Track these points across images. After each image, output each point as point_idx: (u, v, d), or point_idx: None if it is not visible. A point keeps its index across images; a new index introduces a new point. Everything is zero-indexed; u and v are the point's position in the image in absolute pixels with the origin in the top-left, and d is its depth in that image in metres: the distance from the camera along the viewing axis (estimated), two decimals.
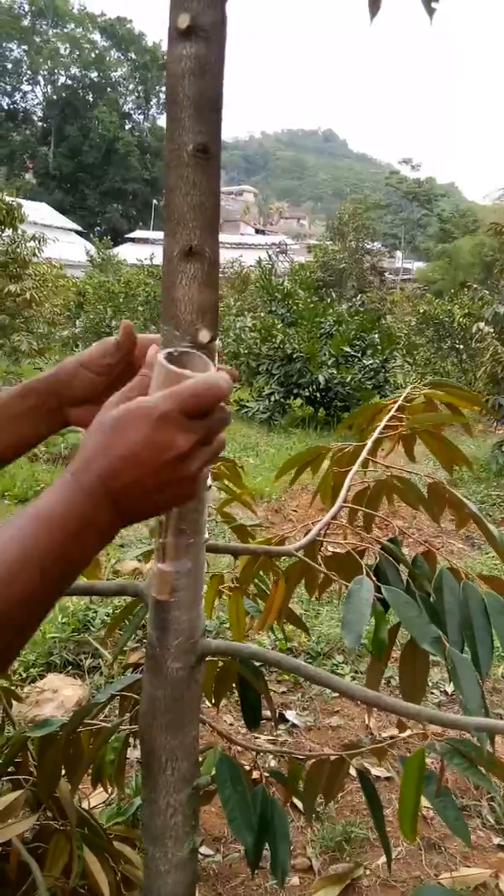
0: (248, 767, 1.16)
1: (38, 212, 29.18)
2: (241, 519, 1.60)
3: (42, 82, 67.50)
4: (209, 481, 0.79)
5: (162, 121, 69.95)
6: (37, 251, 10.72)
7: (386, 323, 12.45)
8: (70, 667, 3.07)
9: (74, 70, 67.39)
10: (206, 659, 1.27)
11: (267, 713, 2.10)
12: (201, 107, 0.69)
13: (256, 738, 2.61)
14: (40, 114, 67.10)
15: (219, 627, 3.35)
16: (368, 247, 27.41)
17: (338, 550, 1.23)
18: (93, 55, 68.07)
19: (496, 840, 2.24)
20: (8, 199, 9.91)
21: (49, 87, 66.93)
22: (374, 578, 1.04)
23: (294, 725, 2.80)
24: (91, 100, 65.84)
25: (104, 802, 2.01)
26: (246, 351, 11.03)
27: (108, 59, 69.51)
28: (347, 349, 10.57)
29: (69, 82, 66.54)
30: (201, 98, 0.69)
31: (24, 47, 66.18)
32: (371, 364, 10.41)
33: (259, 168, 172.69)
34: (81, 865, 1.25)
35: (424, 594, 1.10)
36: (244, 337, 11.17)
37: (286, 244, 35.72)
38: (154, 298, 14.44)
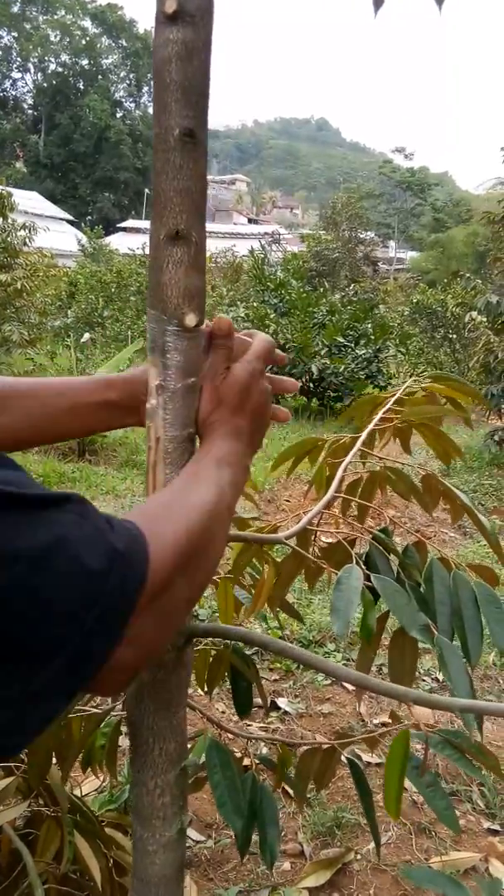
0: (238, 755, 1.16)
1: (28, 201, 28.95)
2: (238, 511, 1.60)
3: (32, 70, 66.87)
4: None
5: None
6: (27, 240, 10.65)
7: (379, 313, 12.42)
8: None
9: (65, 57, 66.72)
10: (200, 648, 1.28)
11: (258, 701, 2.12)
12: (188, 91, 0.69)
13: (248, 725, 2.63)
14: (30, 102, 66.52)
15: (211, 616, 3.37)
16: (362, 236, 27.36)
17: (331, 541, 1.23)
18: (83, 42, 67.38)
19: (486, 824, 2.27)
20: None
21: (39, 74, 66.31)
22: (363, 567, 1.05)
23: (286, 713, 2.82)
24: (82, 87, 65.26)
25: (96, 789, 2.02)
26: None
27: (98, 46, 68.81)
28: (340, 339, 10.57)
29: (59, 70, 65.87)
30: (188, 82, 0.68)
31: (14, 34, 65.47)
32: (364, 354, 10.40)
33: (252, 157, 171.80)
34: (73, 851, 1.26)
35: (414, 583, 1.11)
36: (237, 327, 11.14)
37: (279, 233, 35.57)
38: (146, 288, 14.30)
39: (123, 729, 1.36)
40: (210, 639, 1.23)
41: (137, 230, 37.69)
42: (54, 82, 64.23)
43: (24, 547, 0.45)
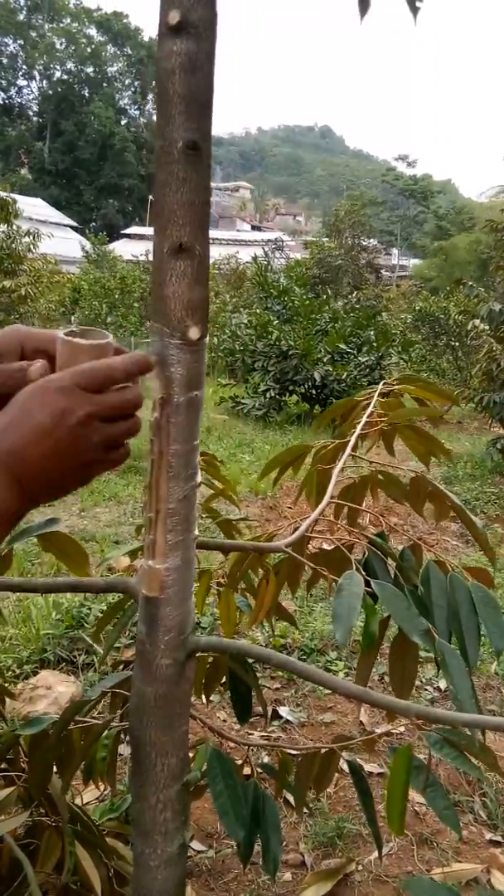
0: (239, 763, 1.16)
1: (33, 207, 29.05)
2: (225, 514, 1.60)
3: (38, 77, 67.20)
4: (198, 478, 0.80)
5: None
6: (32, 247, 10.69)
7: (382, 320, 12.42)
8: (64, 663, 3.07)
9: (70, 65, 67.09)
10: (195, 660, 1.28)
11: (259, 709, 2.11)
12: (192, 103, 0.69)
13: (250, 734, 2.62)
14: (36, 109, 66.84)
15: (213, 624, 3.36)
16: (364, 243, 27.39)
17: (326, 547, 1.23)
18: (89, 50, 67.74)
19: (488, 835, 2.25)
20: (3, 194, 9.88)
21: (45, 81, 66.66)
22: (363, 573, 1.05)
23: (287, 722, 2.80)
24: (87, 95, 65.57)
25: (97, 799, 2.02)
26: (241, 348, 11.02)
27: (104, 54, 69.18)
28: (343, 346, 10.57)
29: (65, 77, 66.23)
30: (192, 95, 0.69)
31: (20, 42, 65.86)
32: (366, 361, 10.40)
33: (255, 164, 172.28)
34: (73, 861, 1.25)
35: (412, 587, 1.11)
36: (240, 334, 11.15)
37: (282, 241, 35.66)
38: (150, 295, 14.32)
39: (122, 737, 1.36)
40: None
41: (141, 237, 37.76)
42: (59, 90, 64.55)
43: None
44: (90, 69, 67.73)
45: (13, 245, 10.18)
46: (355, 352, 10.66)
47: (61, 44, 67.58)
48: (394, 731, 2.51)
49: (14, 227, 10.25)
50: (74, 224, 42.15)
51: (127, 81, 71.05)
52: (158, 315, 0.72)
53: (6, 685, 1.78)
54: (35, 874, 1.17)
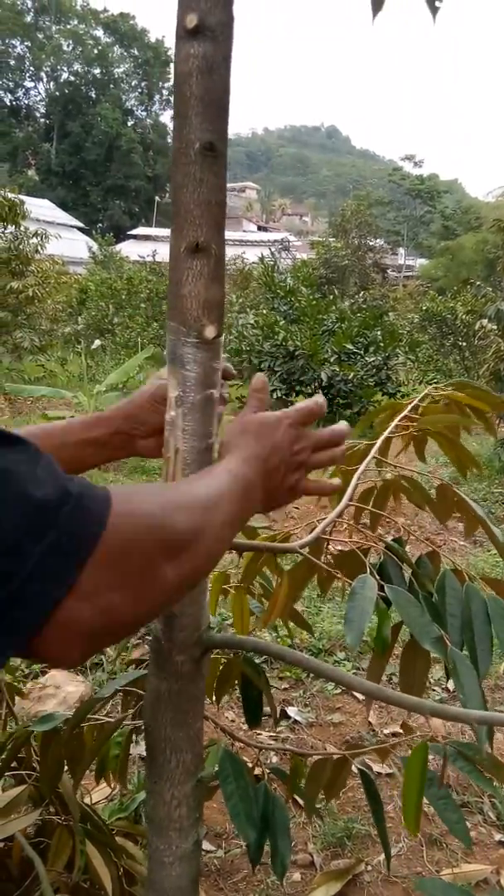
0: (250, 764, 1.16)
1: (40, 208, 29.14)
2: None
3: (45, 78, 67.47)
4: None
5: (164, 118, 69.94)
6: (39, 248, 10.73)
7: (388, 320, 12.39)
8: None
9: (77, 66, 67.26)
10: (210, 657, 1.28)
11: (268, 710, 2.11)
12: (208, 105, 0.69)
13: (258, 734, 2.62)
14: (43, 110, 67.11)
15: (221, 624, 3.36)
16: (371, 244, 27.37)
17: (342, 549, 1.23)
18: (95, 51, 67.91)
19: (497, 836, 2.25)
20: (10, 195, 9.91)
21: (52, 83, 66.89)
22: (377, 577, 1.05)
23: (296, 722, 2.80)
24: (94, 96, 65.73)
25: (107, 798, 2.02)
26: (248, 348, 11.02)
27: (110, 55, 69.33)
28: (350, 346, 10.55)
29: (72, 78, 66.41)
30: (208, 97, 0.69)
31: (27, 43, 66.09)
32: (373, 361, 10.39)
33: (261, 164, 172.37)
34: (84, 860, 1.26)
35: (427, 594, 1.11)
36: (246, 334, 11.15)
37: (289, 241, 35.66)
38: (156, 295, 14.43)
39: (134, 736, 1.36)
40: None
41: (148, 237, 37.82)
42: (66, 91, 64.75)
43: None
44: (97, 70, 67.93)
45: (21, 246, 10.22)
46: (362, 352, 10.64)
47: (68, 45, 67.78)
48: (404, 734, 2.50)
49: (22, 228, 10.29)
50: (81, 225, 42.25)
51: (134, 83, 71.23)
52: (175, 314, 0.72)
53: (16, 684, 1.79)
54: (46, 872, 1.17)
